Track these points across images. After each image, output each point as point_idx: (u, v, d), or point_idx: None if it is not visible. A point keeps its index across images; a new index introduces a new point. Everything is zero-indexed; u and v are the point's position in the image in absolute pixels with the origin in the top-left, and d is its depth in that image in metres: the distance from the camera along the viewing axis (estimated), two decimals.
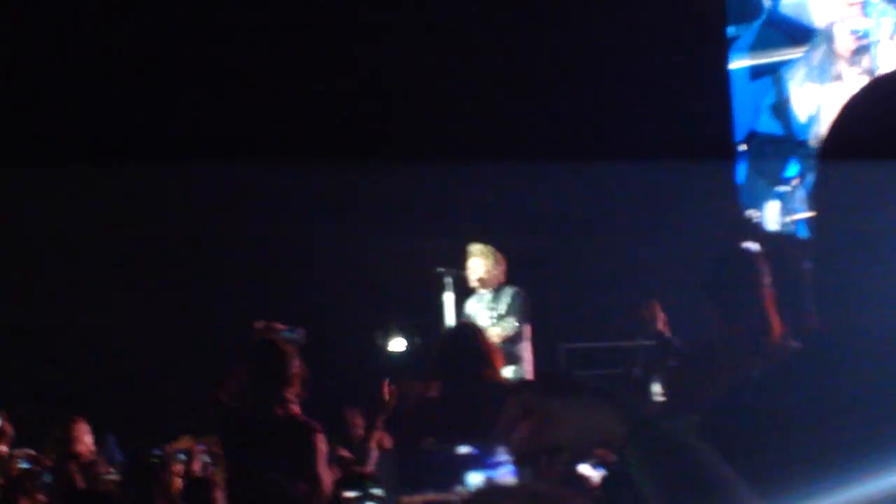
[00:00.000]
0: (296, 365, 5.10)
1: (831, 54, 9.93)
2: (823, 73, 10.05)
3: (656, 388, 7.03)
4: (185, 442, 7.32)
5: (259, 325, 5.55)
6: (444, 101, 10.43)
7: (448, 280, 8.26)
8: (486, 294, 8.16)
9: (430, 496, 3.20)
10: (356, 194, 10.57)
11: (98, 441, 7.51)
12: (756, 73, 10.42)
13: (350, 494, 4.25)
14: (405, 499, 3.46)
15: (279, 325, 5.57)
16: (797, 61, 10.17)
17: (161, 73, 10.37)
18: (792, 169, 10.07)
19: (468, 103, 10.39)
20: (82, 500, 6.32)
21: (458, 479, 3.34)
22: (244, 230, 10.41)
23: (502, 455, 3.17)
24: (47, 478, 6.37)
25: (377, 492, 4.07)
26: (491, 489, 3.22)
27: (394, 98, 10.74)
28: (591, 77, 10.11)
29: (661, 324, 7.52)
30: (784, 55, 10.30)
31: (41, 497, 6.18)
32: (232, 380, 5.25)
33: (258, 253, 10.58)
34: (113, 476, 6.89)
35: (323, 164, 10.11)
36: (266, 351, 5.20)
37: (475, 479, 3.36)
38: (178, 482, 6.73)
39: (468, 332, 5.57)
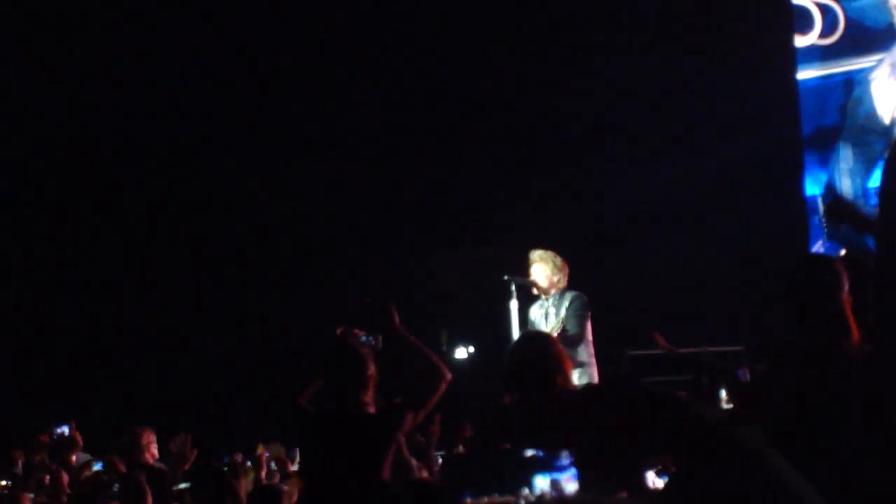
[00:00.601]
0: (371, 368, 5.16)
1: None
2: None
3: (723, 395, 6.96)
4: (258, 449, 7.39)
5: (339, 330, 5.62)
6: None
7: (513, 287, 8.24)
8: (548, 300, 8.16)
9: (496, 499, 3.19)
10: (422, 201, 10.65)
11: (166, 450, 7.59)
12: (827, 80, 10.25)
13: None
14: (469, 501, 3.45)
15: (357, 331, 5.63)
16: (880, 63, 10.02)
17: None
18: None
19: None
20: None
21: (524, 482, 3.32)
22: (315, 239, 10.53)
23: (568, 459, 3.16)
24: (116, 486, 6.44)
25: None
26: (555, 494, 3.20)
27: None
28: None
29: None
30: (855, 65, 10.16)
31: None
32: (312, 384, 5.31)
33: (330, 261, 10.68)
34: (181, 485, 6.94)
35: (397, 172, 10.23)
36: (345, 354, 5.25)
37: (541, 482, 3.35)
38: (246, 490, 6.79)
39: (539, 340, 5.58)
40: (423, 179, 10.69)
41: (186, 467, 6.92)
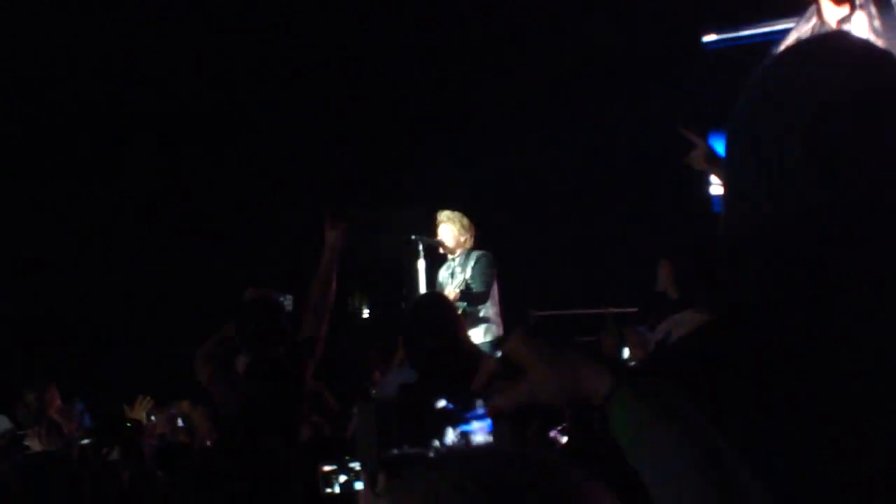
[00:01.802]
0: (284, 324, 5.24)
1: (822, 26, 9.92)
2: None
3: (626, 353, 7.14)
4: (147, 404, 7.34)
5: (250, 290, 5.67)
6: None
7: (420, 247, 8.31)
8: (454, 259, 8.25)
9: (406, 451, 3.24)
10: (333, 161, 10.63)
11: (67, 406, 7.53)
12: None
13: (327, 468, 4.29)
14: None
15: (270, 291, 5.71)
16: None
17: None
18: None
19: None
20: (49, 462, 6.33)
21: (436, 434, 3.39)
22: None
23: (482, 410, 3.23)
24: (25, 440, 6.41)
25: (354, 465, 4.11)
26: (466, 445, 3.27)
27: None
28: None
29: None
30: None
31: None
32: (221, 340, 5.34)
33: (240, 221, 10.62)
34: (84, 440, 6.90)
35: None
36: (259, 309, 5.30)
37: (452, 435, 3.41)
38: (151, 446, 6.77)
39: (429, 299, 5.66)
40: (332, 139, 10.66)
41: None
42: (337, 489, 4.09)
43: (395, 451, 3.38)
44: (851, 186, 1.37)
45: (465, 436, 3.20)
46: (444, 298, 6.10)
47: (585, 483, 1.13)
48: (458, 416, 3.53)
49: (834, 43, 1.56)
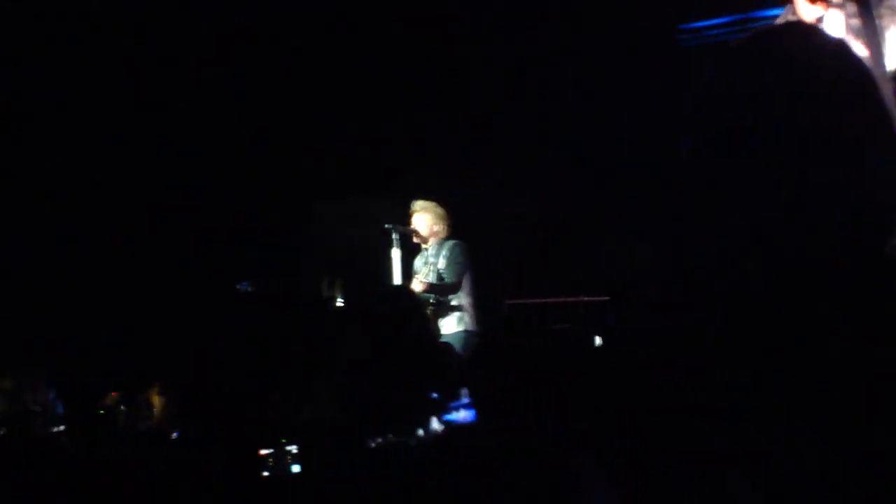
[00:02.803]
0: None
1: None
2: None
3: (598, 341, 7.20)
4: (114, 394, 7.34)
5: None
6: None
7: (395, 236, 8.33)
8: (428, 248, 8.29)
9: (391, 440, 3.29)
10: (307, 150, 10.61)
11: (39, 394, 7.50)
12: None
13: (264, 452, 4.37)
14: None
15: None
16: None
17: None
18: None
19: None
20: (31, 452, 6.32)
21: (420, 424, 3.43)
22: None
23: (466, 399, 3.28)
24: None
25: (292, 448, 4.17)
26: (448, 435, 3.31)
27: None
28: None
29: None
30: None
31: None
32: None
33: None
34: (57, 429, 6.88)
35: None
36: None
37: (437, 424, 3.47)
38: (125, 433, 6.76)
39: (394, 291, 5.70)
40: (308, 129, 10.63)
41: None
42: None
43: (380, 440, 3.42)
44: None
45: (447, 425, 3.25)
46: (409, 290, 6.13)
47: None
48: (442, 406, 3.58)
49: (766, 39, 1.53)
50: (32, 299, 10.25)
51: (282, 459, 4.15)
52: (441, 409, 3.44)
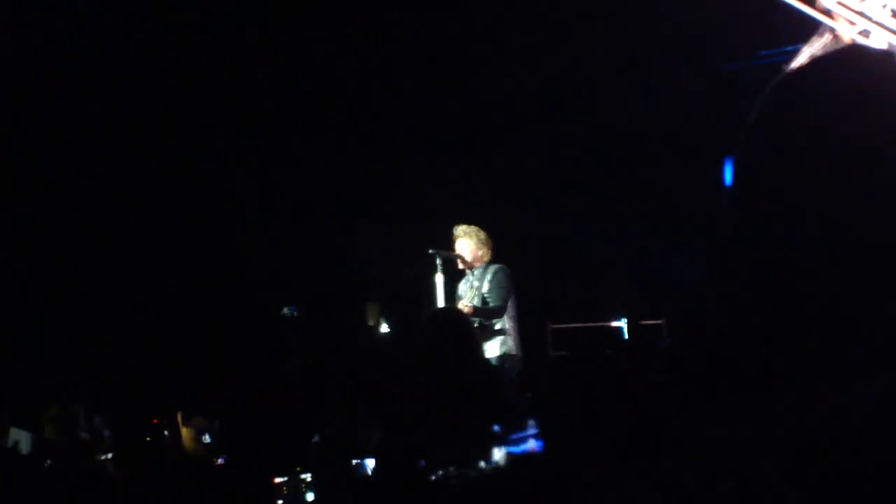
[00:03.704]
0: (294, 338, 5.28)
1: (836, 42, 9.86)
2: None
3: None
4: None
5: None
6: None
7: (438, 261, 8.32)
8: (473, 273, 8.27)
9: (452, 472, 3.26)
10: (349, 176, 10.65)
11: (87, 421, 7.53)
12: None
13: (279, 480, 4.37)
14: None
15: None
16: None
17: None
18: None
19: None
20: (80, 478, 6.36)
21: (482, 456, 3.40)
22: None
23: (533, 430, 3.24)
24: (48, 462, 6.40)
25: (305, 476, 4.16)
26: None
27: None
28: None
29: None
30: None
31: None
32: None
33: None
34: (105, 455, 6.91)
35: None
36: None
37: (498, 455, 3.43)
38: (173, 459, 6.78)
39: (444, 314, 5.65)
40: (349, 155, 10.68)
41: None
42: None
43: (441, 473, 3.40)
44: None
45: (511, 456, 3.22)
46: (458, 312, 6.09)
47: None
48: (505, 438, 3.55)
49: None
50: (81, 329, 10.33)
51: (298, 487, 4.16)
52: (503, 441, 3.41)
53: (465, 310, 7.89)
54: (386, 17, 10.21)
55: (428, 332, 5.04)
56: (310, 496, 4.18)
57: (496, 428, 3.58)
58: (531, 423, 3.68)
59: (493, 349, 7.99)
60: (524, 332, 8.22)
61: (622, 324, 8.81)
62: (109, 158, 10.32)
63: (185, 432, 7.43)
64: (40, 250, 10.22)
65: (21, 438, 7.27)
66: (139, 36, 9.91)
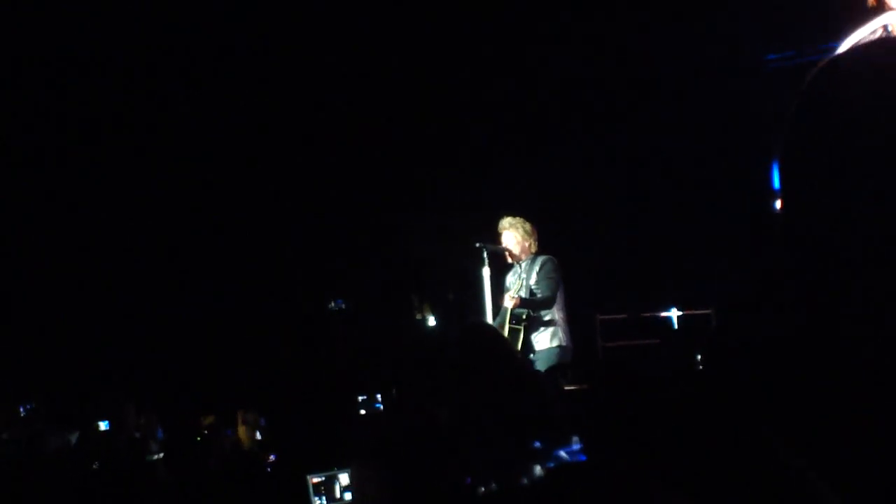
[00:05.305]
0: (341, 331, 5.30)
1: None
2: None
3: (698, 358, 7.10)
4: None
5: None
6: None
7: (485, 254, 8.27)
8: (520, 265, 8.22)
9: (493, 487, 3.23)
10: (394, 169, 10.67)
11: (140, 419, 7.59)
12: None
13: (316, 479, 4.36)
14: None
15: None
16: None
17: None
18: None
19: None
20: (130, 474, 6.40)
21: (525, 472, 3.36)
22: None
23: (577, 446, 3.20)
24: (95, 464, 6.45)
25: (342, 475, 4.16)
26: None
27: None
28: None
29: None
30: None
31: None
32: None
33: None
34: (157, 456, 6.95)
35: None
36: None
37: (540, 471, 3.39)
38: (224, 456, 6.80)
39: (483, 329, 5.59)
40: (393, 148, 10.68)
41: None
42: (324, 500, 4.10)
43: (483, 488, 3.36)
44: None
45: (553, 471, 3.17)
46: (488, 327, 5.99)
47: None
48: (545, 454, 3.51)
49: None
50: (132, 329, 10.44)
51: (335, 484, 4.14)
52: (546, 457, 3.37)
53: (513, 301, 7.85)
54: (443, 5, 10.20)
55: (462, 352, 4.99)
56: (347, 496, 4.16)
57: (538, 444, 3.54)
58: (574, 438, 3.65)
59: (543, 341, 7.95)
60: (573, 323, 8.17)
61: (671, 314, 8.72)
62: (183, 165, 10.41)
63: (241, 430, 7.46)
64: (99, 251, 10.34)
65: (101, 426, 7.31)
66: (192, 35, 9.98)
